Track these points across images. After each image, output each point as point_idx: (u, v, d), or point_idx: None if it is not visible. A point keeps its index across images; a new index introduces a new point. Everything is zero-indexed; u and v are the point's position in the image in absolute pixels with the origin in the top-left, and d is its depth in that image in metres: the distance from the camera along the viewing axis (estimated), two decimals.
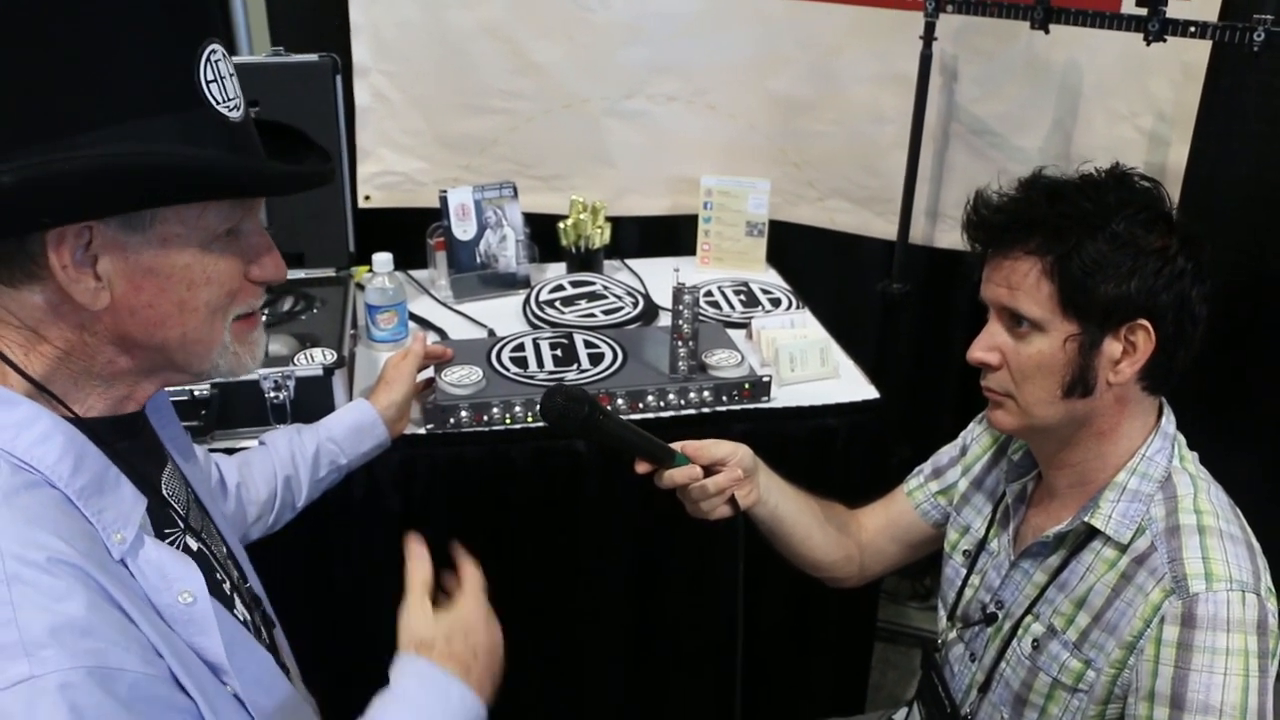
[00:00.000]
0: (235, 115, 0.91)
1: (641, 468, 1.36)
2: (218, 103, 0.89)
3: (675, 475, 1.35)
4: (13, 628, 0.75)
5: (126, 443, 0.95)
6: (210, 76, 0.88)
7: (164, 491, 1.00)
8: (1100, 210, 1.16)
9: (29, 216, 0.82)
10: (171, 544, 0.96)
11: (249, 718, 0.95)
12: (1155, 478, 1.21)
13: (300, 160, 1.03)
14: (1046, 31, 2.00)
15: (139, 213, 0.86)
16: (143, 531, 0.91)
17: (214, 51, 0.89)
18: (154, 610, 0.88)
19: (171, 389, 1.61)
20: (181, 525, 1.00)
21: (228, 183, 0.90)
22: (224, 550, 1.08)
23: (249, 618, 1.05)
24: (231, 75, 0.92)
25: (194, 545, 1.00)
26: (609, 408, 1.32)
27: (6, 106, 0.83)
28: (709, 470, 1.37)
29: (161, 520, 0.97)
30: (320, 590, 1.82)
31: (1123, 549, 1.20)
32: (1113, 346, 1.18)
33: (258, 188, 0.94)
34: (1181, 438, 1.27)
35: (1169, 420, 1.26)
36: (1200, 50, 2.07)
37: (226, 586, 1.02)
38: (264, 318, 1.02)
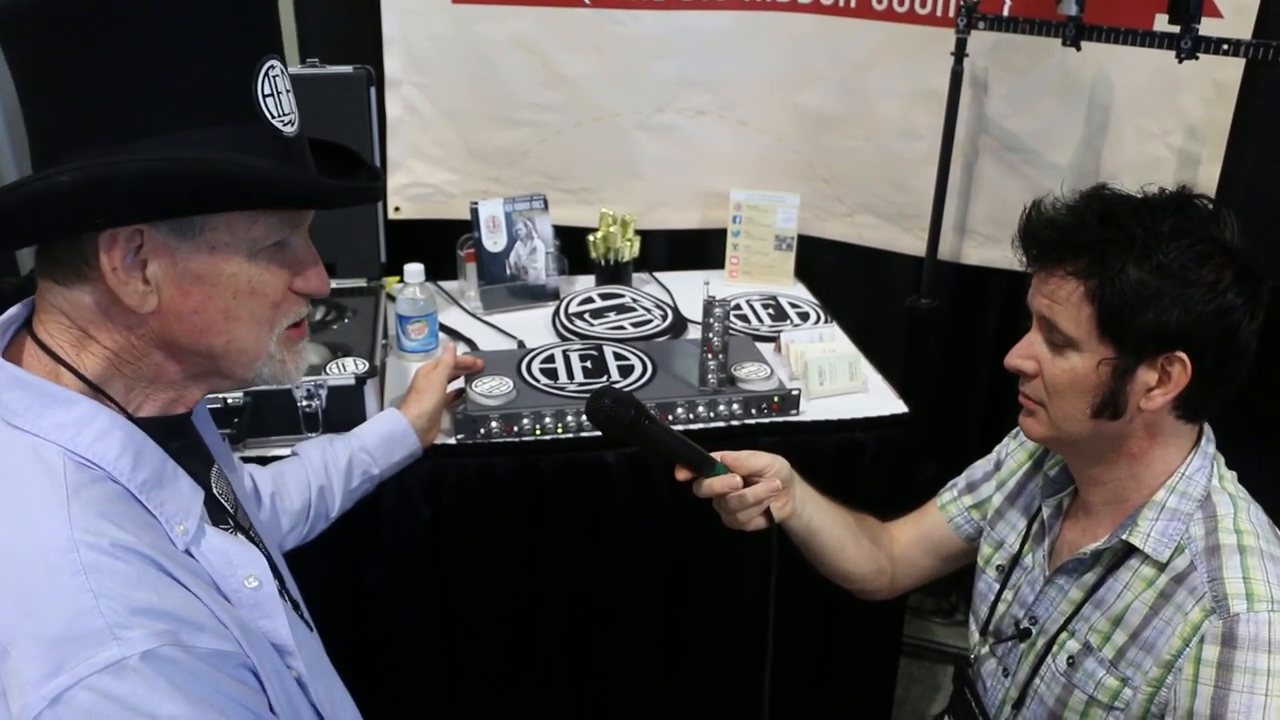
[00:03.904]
0: (289, 130, 0.93)
1: (682, 475, 1.37)
2: (273, 117, 0.91)
3: (715, 484, 1.36)
4: (96, 614, 0.78)
5: (177, 442, 0.97)
6: (267, 91, 0.90)
7: (213, 490, 1.02)
8: (1152, 238, 1.13)
9: (84, 217, 0.84)
10: None
11: (308, 701, 0.97)
12: (1194, 497, 1.21)
13: (349, 177, 1.05)
14: (1078, 48, 2.00)
15: (189, 220, 0.87)
16: (203, 522, 0.94)
17: (272, 67, 0.91)
18: (221, 595, 0.91)
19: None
20: (231, 523, 1.02)
21: (279, 193, 0.91)
22: (264, 549, 1.09)
23: (298, 617, 1.07)
24: (288, 91, 0.93)
25: (241, 538, 1.02)
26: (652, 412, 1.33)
27: (69, 109, 0.86)
28: (747, 481, 1.37)
29: (214, 517, 0.99)
30: (350, 597, 1.83)
31: (1161, 567, 1.19)
32: (1147, 374, 1.17)
33: (307, 199, 0.95)
34: (1220, 457, 1.26)
35: (1209, 440, 1.25)
36: (1233, 68, 2.06)
37: (275, 586, 1.03)
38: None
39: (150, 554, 0.84)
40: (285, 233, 0.94)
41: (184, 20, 0.85)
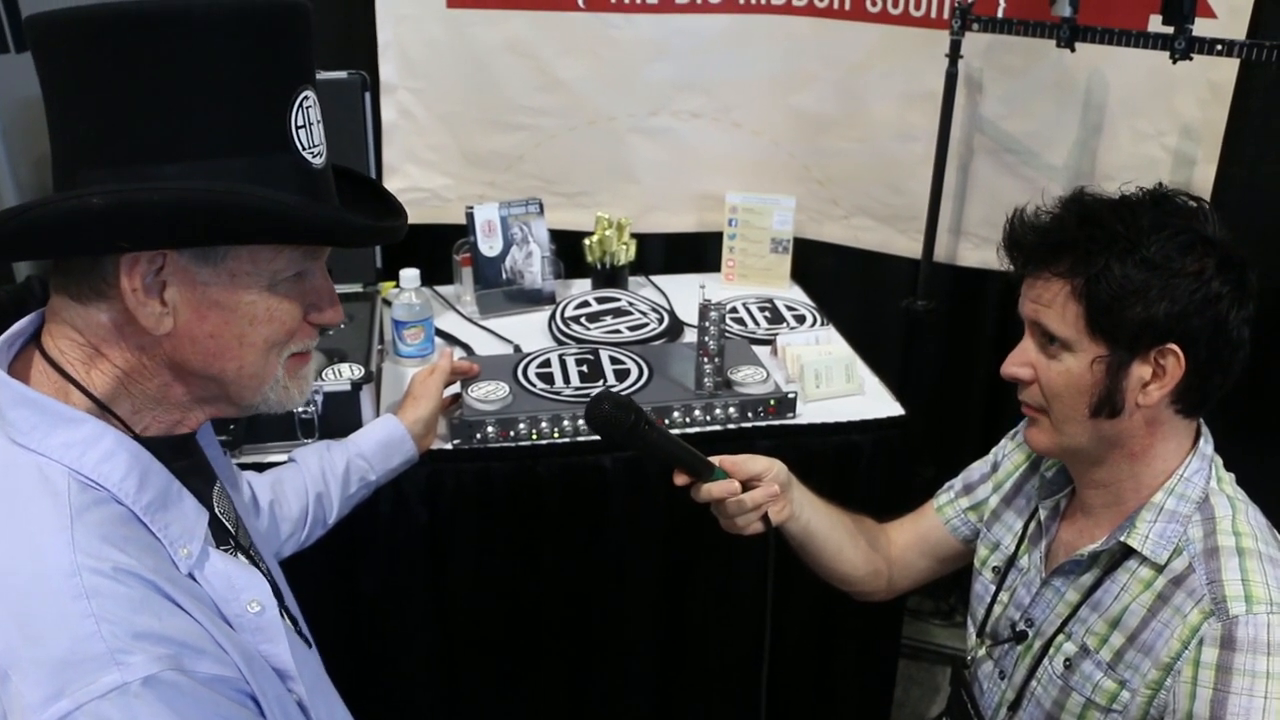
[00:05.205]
0: (318, 162, 0.93)
1: (680, 479, 1.37)
2: (303, 148, 0.91)
3: (713, 489, 1.36)
4: (98, 639, 0.78)
5: (182, 462, 0.97)
6: (300, 122, 0.91)
7: (215, 509, 1.02)
8: (1132, 233, 1.14)
9: (111, 239, 0.84)
10: None
11: None
12: (1193, 498, 1.21)
13: (368, 207, 1.05)
14: (1073, 50, 2.00)
15: (213, 247, 0.87)
16: (207, 545, 0.94)
17: (306, 98, 0.91)
18: (223, 619, 0.90)
19: None
20: (232, 543, 1.02)
21: (309, 230, 0.91)
22: (264, 568, 1.09)
23: (299, 637, 1.06)
24: (319, 123, 0.94)
25: (245, 561, 1.01)
26: (652, 417, 1.33)
27: (100, 127, 0.86)
28: (745, 485, 1.37)
29: (216, 536, 0.99)
30: (347, 603, 1.83)
31: (1159, 569, 1.19)
32: (1141, 369, 1.17)
33: (335, 237, 0.95)
34: (1219, 459, 1.26)
35: (1207, 441, 1.25)
36: (1228, 68, 2.07)
37: (277, 609, 1.03)
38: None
39: (152, 578, 0.83)
40: (306, 265, 0.95)
41: (223, 48, 0.85)
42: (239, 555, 1.01)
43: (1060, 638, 1.28)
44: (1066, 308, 1.18)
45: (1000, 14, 2.17)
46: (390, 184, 2.58)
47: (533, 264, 2.31)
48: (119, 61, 0.84)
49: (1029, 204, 1.25)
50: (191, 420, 0.98)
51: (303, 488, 1.46)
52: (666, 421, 1.83)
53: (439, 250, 2.42)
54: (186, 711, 0.79)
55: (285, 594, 1.15)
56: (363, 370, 1.80)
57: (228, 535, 1.02)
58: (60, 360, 0.90)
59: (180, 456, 0.97)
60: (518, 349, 2.13)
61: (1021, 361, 1.26)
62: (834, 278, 2.62)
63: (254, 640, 0.93)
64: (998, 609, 1.43)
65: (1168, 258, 1.13)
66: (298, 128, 0.90)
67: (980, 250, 2.50)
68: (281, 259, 0.91)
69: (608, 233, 2.37)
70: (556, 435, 1.80)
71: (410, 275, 2.04)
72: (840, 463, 1.93)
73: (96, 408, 0.90)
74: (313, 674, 1.03)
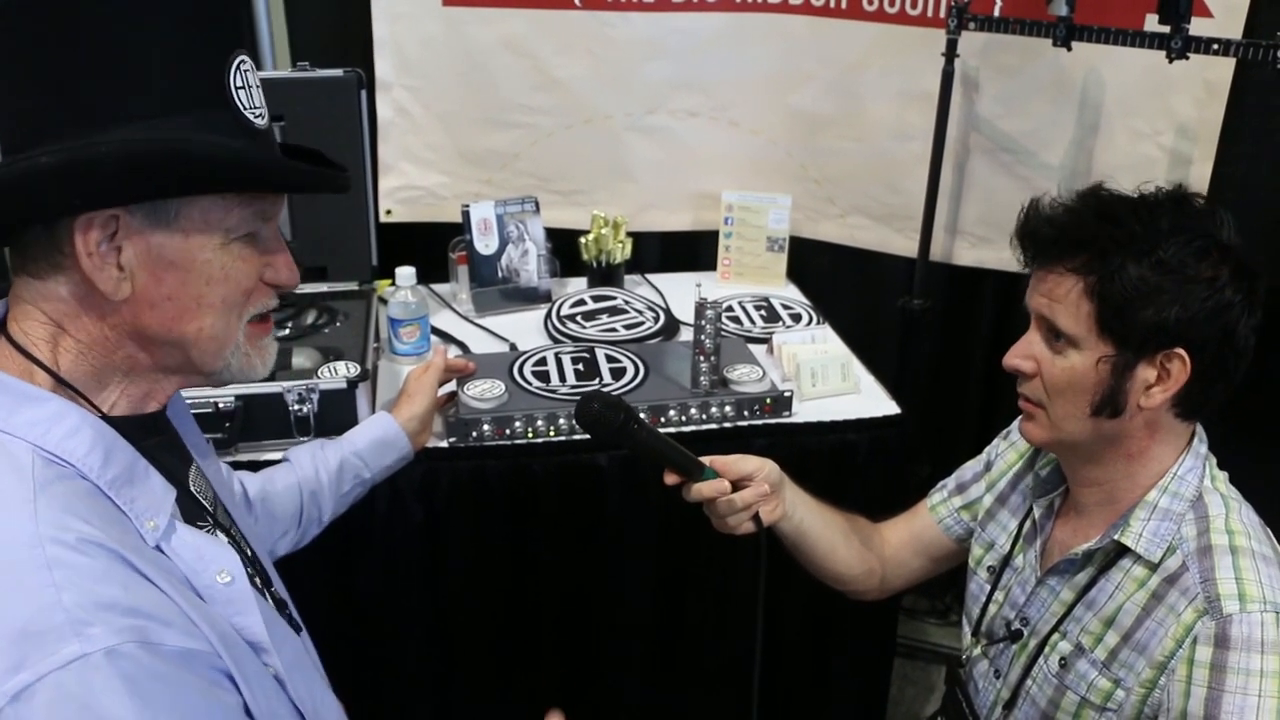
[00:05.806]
0: (260, 123, 0.95)
1: (670, 479, 1.37)
2: (245, 108, 0.93)
3: (703, 489, 1.35)
4: (59, 609, 0.77)
5: (152, 440, 0.97)
6: (239, 84, 0.92)
7: (191, 488, 1.02)
8: (1150, 234, 1.14)
9: (62, 199, 0.85)
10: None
11: (287, 699, 0.96)
12: (1186, 497, 1.21)
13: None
14: (1069, 49, 2.00)
15: (164, 206, 0.88)
16: (174, 519, 0.93)
17: (243, 62, 0.93)
18: (193, 591, 0.90)
19: (195, 400, 1.62)
20: (210, 520, 1.02)
21: (255, 175, 0.93)
22: (249, 552, 1.09)
23: (278, 615, 1.06)
24: (257, 87, 0.95)
25: (223, 539, 1.01)
26: (641, 416, 1.33)
27: (45, 95, 0.86)
28: (736, 485, 1.37)
29: (191, 514, 0.98)
30: (343, 600, 1.83)
31: (1153, 568, 1.19)
32: (1146, 372, 1.17)
33: (283, 182, 0.97)
34: (1212, 457, 1.26)
35: (1201, 440, 1.25)
36: (1223, 68, 2.07)
37: (258, 581, 1.03)
38: (276, 327, 1.04)
39: (118, 549, 0.83)
40: (258, 225, 0.96)
41: (159, 10, 0.87)
42: (218, 533, 1.01)
43: (1055, 637, 1.29)
44: (1079, 305, 1.17)
45: (996, 13, 2.17)
46: (386, 182, 2.58)
47: (529, 262, 2.31)
48: (58, 29, 0.85)
49: (1045, 195, 1.24)
50: (160, 393, 0.98)
51: (296, 486, 1.46)
52: (662, 420, 1.83)
53: (435, 248, 2.41)
54: (148, 689, 0.77)
55: (274, 580, 1.14)
56: (358, 368, 1.80)
57: (205, 513, 1.02)
58: (24, 342, 0.90)
59: (150, 434, 0.97)
60: (513, 347, 2.12)
61: (1024, 354, 1.25)
62: (830, 276, 2.62)
63: (226, 612, 0.92)
64: (993, 608, 1.43)
65: (1183, 263, 1.13)
66: (237, 89, 0.92)
67: (976, 249, 2.50)
68: (233, 216, 0.92)
69: (604, 231, 2.37)
70: (552, 434, 1.80)
71: (406, 273, 2.04)
72: (836, 461, 1.93)
73: (61, 387, 0.90)
74: (293, 653, 1.01)
